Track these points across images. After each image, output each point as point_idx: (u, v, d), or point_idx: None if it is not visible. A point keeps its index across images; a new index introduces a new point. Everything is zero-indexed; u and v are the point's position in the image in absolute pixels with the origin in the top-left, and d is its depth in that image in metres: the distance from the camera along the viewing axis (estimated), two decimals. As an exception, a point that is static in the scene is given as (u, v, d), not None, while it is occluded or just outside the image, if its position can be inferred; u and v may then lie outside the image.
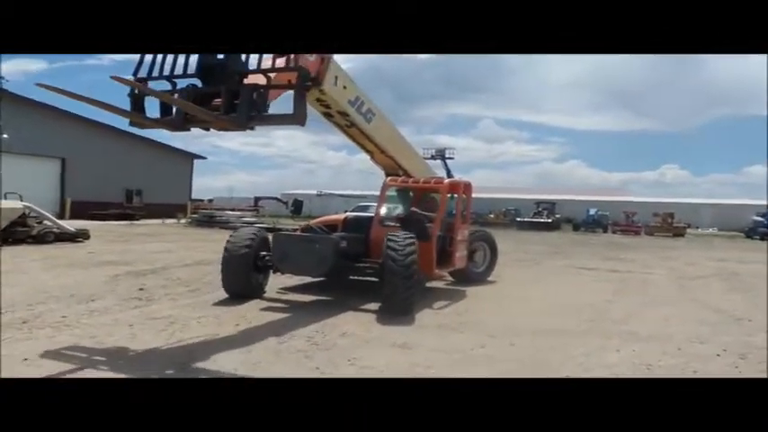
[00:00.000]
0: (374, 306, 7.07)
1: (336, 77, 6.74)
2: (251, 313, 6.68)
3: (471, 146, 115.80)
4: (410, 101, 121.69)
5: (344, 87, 6.99)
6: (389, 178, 8.94)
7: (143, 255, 12.86)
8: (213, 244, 16.40)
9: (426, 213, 8.34)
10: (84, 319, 6.06)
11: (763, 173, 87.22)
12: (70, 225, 18.84)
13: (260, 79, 5.11)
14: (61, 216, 26.43)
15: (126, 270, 10.04)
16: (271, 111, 5.21)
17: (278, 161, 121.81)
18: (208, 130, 5.61)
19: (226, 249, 7.63)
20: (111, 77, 4.54)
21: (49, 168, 26.91)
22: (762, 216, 36.10)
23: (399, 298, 6.62)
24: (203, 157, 31.73)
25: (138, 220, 27.38)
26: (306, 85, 5.43)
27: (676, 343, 5.84)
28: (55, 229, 14.80)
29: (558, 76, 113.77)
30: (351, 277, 8.22)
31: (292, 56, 5.31)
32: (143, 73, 5.17)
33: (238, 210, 31.16)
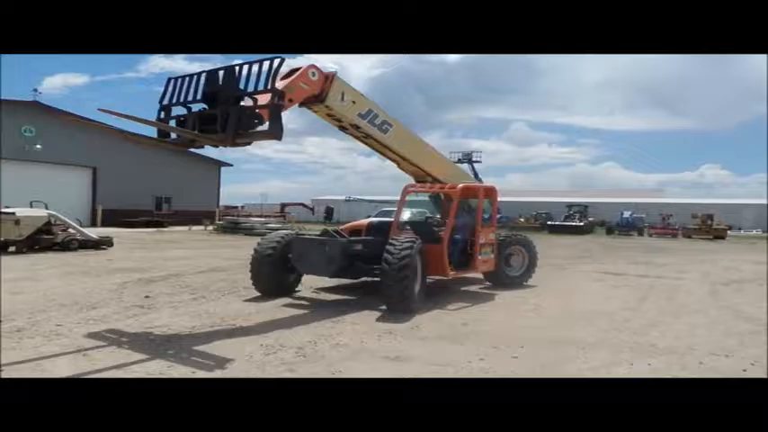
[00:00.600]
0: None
1: (343, 93, 7.27)
2: (249, 322, 6.50)
3: (502, 149, 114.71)
4: (440, 105, 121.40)
5: (353, 102, 7.48)
6: (408, 185, 9.37)
7: (160, 262, 12.90)
8: (233, 250, 16.48)
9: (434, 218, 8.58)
10: (79, 327, 5.98)
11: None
12: (100, 232, 19.28)
13: (260, 99, 5.93)
14: (93, 224, 27.17)
15: (138, 277, 10.04)
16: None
17: (309, 167, 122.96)
18: (202, 147, 6.44)
19: (254, 251, 8.25)
20: (99, 110, 5.12)
21: (81, 177, 27.64)
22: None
23: (394, 297, 7.00)
24: (230, 165, 32.12)
25: (166, 227, 27.81)
26: (278, 104, 5.93)
27: (698, 356, 5.37)
28: (78, 237, 15.04)
29: (588, 76, 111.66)
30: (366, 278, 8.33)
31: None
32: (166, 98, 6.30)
33: (264, 216, 31.39)
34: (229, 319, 6.62)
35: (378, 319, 6.77)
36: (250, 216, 28.48)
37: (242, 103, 5.95)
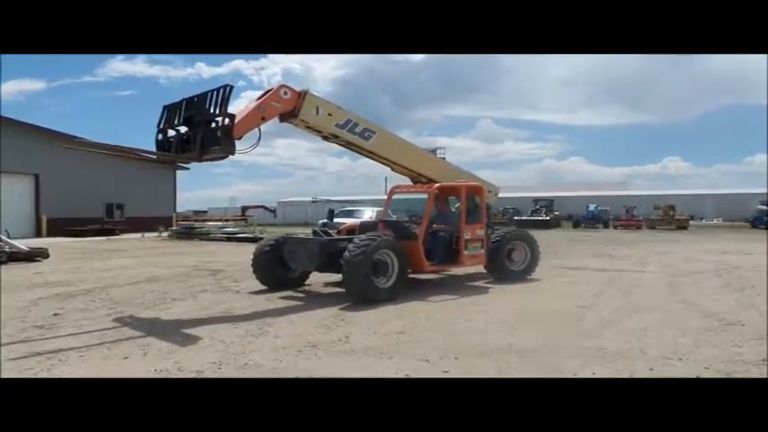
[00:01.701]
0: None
1: (318, 107, 8.03)
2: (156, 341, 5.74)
3: (470, 146, 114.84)
4: (407, 104, 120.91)
5: (329, 115, 8.21)
6: (395, 186, 10.37)
7: (93, 273, 11.97)
8: (179, 258, 15.58)
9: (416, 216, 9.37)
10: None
11: (765, 162, 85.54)
12: (43, 243, 18.13)
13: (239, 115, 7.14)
14: (38, 234, 25.73)
15: (57, 292, 9.14)
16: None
17: (279, 170, 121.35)
18: (188, 162, 7.98)
19: (255, 249, 9.38)
20: (63, 147, 6.73)
21: (22, 185, 26.06)
22: (766, 205, 34.92)
23: (352, 289, 7.76)
24: (186, 168, 30.72)
25: (117, 235, 26.56)
26: (227, 125, 6.76)
27: (649, 361, 4.85)
28: (6, 249, 13.94)
29: (551, 73, 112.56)
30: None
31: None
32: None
33: (225, 220, 30.35)
34: (138, 340, 5.85)
35: (317, 326, 6.12)
36: (207, 221, 27.35)
37: (213, 125, 6.84)
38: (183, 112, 7.11)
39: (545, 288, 9.38)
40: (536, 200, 41.91)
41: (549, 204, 40.63)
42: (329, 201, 49.40)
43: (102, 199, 29.38)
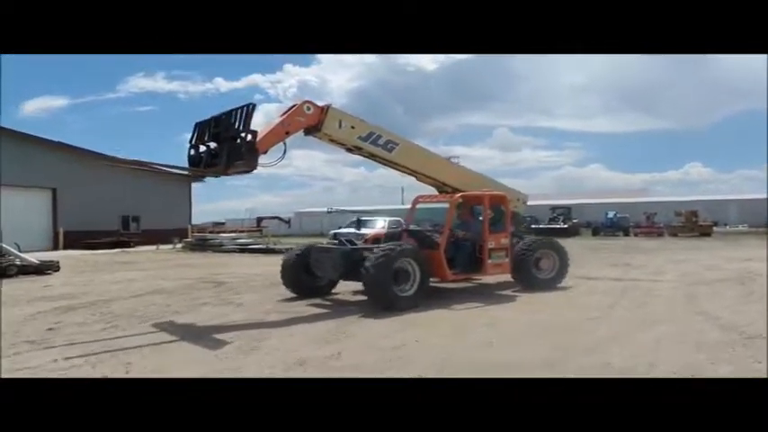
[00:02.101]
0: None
1: (341, 121, 8.30)
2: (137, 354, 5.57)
3: (488, 155, 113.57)
4: (421, 114, 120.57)
5: (352, 128, 8.47)
6: (419, 195, 10.52)
7: (100, 285, 11.94)
8: (187, 270, 15.51)
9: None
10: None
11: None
12: (59, 256, 18.28)
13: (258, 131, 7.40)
14: (55, 247, 26.04)
15: (58, 305, 9.06)
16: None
17: (297, 180, 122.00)
18: (217, 176, 7.81)
19: (282, 259, 9.68)
20: (105, 164, 8.56)
21: (40, 199, 26.43)
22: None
23: (373, 297, 7.90)
24: (202, 180, 30.92)
25: (132, 247, 26.72)
26: (250, 141, 7.13)
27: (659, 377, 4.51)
28: (17, 262, 14.01)
29: (567, 79, 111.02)
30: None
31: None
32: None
33: (240, 231, 30.39)
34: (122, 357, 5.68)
35: (315, 339, 5.89)
36: (221, 232, 27.37)
37: (238, 141, 7.15)
38: (211, 129, 7.54)
39: (558, 299, 9.03)
40: (553, 208, 41.25)
41: (566, 212, 39.90)
42: (344, 211, 49.57)
43: (119, 212, 29.63)
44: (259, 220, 32.46)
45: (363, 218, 24.72)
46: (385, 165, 9.30)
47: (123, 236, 28.23)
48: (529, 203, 11.95)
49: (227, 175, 7.54)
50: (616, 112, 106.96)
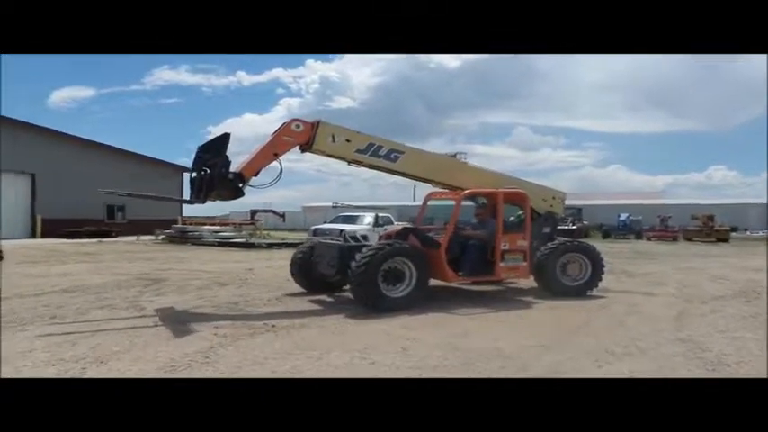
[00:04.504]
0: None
1: (333, 135, 8.00)
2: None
3: (507, 154, 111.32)
4: (442, 111, 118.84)
5: (348, 141, 8.14)
6: (431, 192, 9.90)
7: (34, 279, 10.86)
8: (142, 264, 14.33)
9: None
10: None
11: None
12: (29, 244, 17.36)
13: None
14: (33, 235, 25.18)
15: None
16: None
17: (314, 175, 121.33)
18: (214, 200, 7.61)
19: (293, 254, 9.52)
20: (99, 191, 8.39)
21: (19, 185, 25.55)
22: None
23: (357, 297, 7.59)
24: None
25: (114, 237, 25.79)
26: (222, 174, 7.06)
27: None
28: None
29: (589, 78, 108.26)
30: None
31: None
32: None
33: (232, 224, 29.37)
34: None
35: (272, 352, 4.56)
36: (203, 225, 26.28)
37: (222, 169, 7.09)
38: (200, 155, 7.65)
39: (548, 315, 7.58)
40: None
41: (576, 213, 38.12)
42: (350, 206, 48.77)
43: (104, 200, 28.70)
44: (253, 213, 31.28)
45: (348, 213, 23.59)
46: (393, 174, 8.89)
47: (107, 225, 27.30)
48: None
49: (204, 203, 7.51)
50: (638, 112, 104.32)
